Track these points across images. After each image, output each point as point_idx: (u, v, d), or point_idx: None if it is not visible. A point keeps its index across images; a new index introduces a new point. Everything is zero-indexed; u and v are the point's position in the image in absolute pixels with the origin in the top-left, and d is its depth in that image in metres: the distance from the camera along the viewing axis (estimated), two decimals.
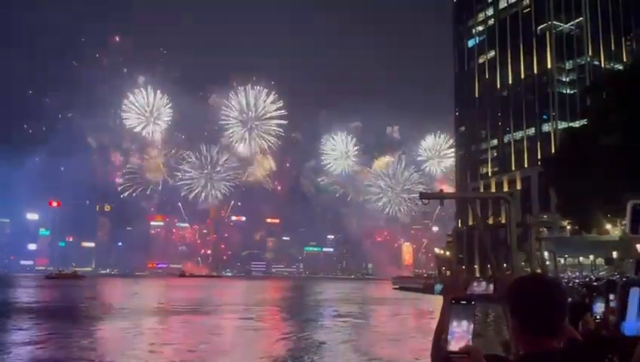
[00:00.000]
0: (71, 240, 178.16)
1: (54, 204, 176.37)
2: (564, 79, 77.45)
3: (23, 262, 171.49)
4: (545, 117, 76.84)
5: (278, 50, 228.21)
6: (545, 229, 45.15)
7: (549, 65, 77.48)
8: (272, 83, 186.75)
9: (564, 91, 75.80)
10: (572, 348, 2.45)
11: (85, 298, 49.40)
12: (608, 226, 44.50)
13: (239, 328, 28.13)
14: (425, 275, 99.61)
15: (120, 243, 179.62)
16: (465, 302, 1.86)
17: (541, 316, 1.92)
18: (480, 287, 6.46)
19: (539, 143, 75.68)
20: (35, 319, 29.38)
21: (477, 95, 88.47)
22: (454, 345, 1.81)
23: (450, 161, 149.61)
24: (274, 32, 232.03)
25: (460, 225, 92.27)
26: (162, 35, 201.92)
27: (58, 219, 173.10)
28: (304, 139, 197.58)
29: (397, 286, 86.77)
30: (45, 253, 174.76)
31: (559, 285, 2.13)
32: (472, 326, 1.88)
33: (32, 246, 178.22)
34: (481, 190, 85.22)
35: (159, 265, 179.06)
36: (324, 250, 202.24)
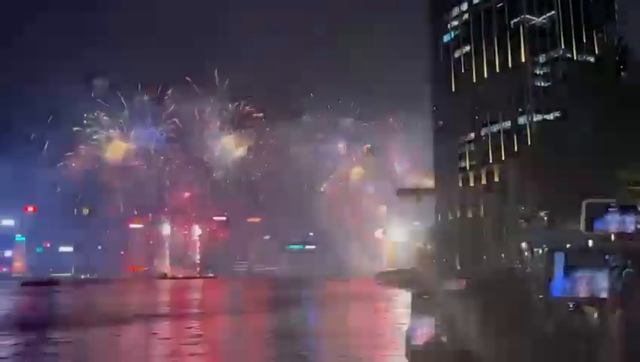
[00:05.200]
0: (48, 245, 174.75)
1: (30, 209, 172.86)
2: (538, 72, 78.62)
3: None
4: (520, 110, 77.93)
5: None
6: (522, 221, 45.80)
7: (523, 59, 78.57)
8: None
9: (539, 84, 76.96)
10: (541, 338, 2.48)
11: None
12: (580, 219, 45.33)
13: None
14: (409, 270, 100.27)
15: (99, 247, 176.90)
16: (427, 296, 1.88)
17: (505, 312, 1.95)
18: (451, 283, 6.57)
19: (515, 136, 76.72)
20: None
21: (453, 90, 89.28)
22: (418, 340, 1.82)
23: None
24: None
25: (439, 219, 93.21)
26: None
27: (34, 225, 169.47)
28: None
29: (380, 282, 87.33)
30: (22, 259, 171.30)
31: (523, 281, 2.17)
32: (433, 319, 1.92)
33: (8, 253, 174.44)
34: (460, 184, 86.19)
35: (140, 268, 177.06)
36: (307, 247, 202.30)
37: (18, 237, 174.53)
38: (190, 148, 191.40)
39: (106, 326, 30.32)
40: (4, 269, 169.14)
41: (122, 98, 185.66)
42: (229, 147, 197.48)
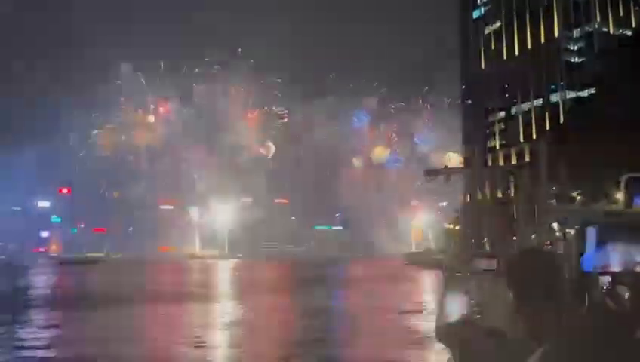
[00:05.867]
0: (82, 226, 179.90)
1: (64, 191, 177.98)
2: (571, 48, 76.10)
3: (36, 250, 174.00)
4: (553, 87, 75.77)
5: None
6: (554, 201, 44.84)
7: (556, 34, 76.11)
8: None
9: (572, 60, 74.57)
10: (576, 322, 2.39)
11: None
12: (619, 195, 44.14)
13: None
14: (437, 251, 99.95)
15: (131, 228, 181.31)
16: (458, 275, 1.83)
17: (536, 290, 1.91)
18: (483, 263, 6.44)
19: (547, 114, 74.78)
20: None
21: (483, 67, 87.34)
22: (450, 317, 1.78)
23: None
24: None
25: (468, 199, 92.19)
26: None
27: (69, 207, 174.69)
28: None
29: (408, 263, 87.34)
30: (58, 239, 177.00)
31: (554, 259, 2.09)
32: (466, 298, 1.85)
33: (44, 234, 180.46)
34: (490, 163, 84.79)
35: (170, 249, 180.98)
36: (334, 228, 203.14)
37: (54, 218, 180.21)
38: (216, 130, 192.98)
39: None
40: (41, 249, 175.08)
41: (146, 81, 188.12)
42: (255, 128, 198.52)
